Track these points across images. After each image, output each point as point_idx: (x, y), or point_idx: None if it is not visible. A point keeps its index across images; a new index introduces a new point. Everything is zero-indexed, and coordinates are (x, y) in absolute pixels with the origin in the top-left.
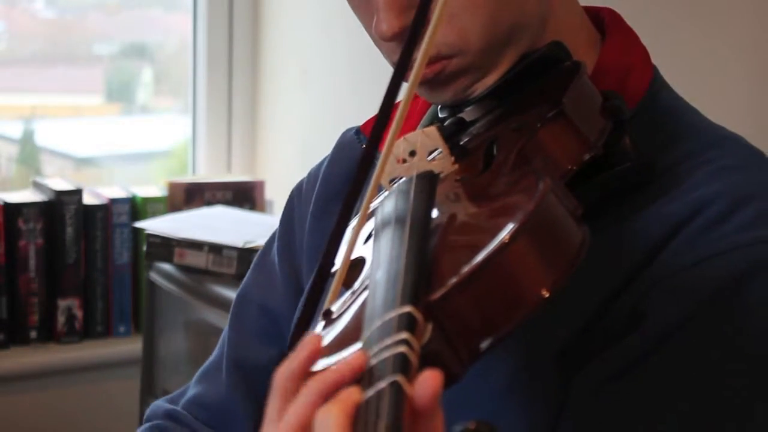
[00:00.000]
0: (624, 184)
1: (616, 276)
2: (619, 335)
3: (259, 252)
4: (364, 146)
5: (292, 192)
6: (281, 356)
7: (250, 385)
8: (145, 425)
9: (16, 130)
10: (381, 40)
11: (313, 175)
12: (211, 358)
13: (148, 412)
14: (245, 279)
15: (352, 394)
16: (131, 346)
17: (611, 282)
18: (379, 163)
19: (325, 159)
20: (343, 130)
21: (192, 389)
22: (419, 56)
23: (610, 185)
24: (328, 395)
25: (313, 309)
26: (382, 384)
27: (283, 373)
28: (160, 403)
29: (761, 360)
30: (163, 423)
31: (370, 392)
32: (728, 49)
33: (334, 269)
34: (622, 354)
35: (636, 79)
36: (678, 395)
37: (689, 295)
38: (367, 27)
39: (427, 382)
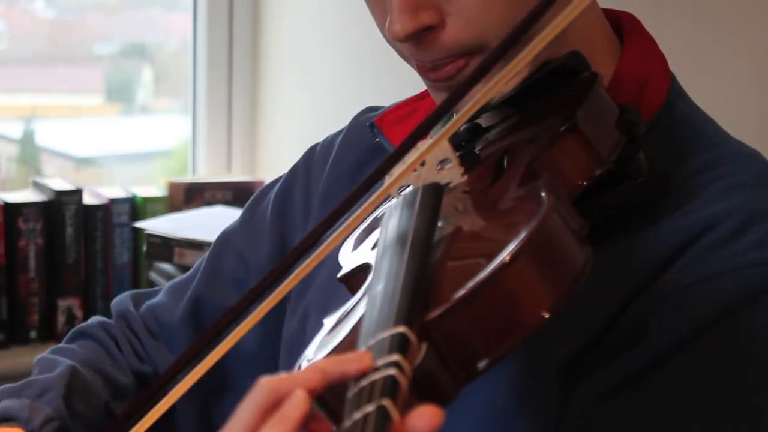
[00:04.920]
0: (637, 199)
1: (623, 290)
2: (623, 349)
3: (255, 196)
4: (376, 140)
5: (303, 157)
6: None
7: (200, 323)
8: (98, 320)
9: (16, 130)
10: (394, 40)
11: (327, 147)
12: (185, 276)
13: (114, 302)
14: (236, 221)
15: (295, 409)
16: None
17: (619, 296)
18: (386, 185)
19: (341, 132)
20: None
21: (159, 296)
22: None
23: (623, 200)
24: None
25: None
26: (369, 408)
27: (269, 385)
28: (124, 299)
29: (766, 380)
30: (115, 326)
31: (358, 414)
32: (732, 50)
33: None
34: (625, 368)
35: (653, 89)
36: (678, 413)
37: (695, 312)
38: (381, 26)
39: (426, 420)
